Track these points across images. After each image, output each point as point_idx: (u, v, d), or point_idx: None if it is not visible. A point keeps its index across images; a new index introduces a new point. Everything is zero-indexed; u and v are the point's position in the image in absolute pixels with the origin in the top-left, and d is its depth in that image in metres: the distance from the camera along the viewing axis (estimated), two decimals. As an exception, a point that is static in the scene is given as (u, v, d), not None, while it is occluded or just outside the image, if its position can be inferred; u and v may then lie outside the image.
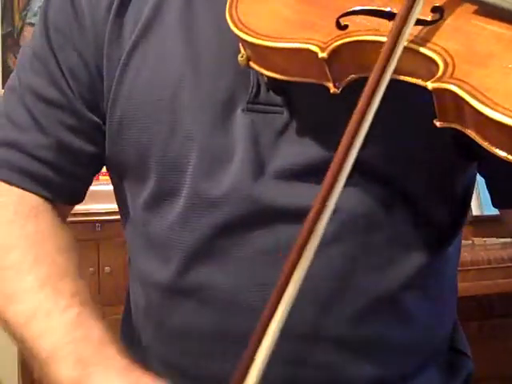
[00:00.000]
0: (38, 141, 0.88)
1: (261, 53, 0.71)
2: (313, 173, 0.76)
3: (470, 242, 2.22)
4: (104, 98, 0.87)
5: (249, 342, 0.59)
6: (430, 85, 0.59)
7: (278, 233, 0.78)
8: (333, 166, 0.58)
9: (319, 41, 0.66)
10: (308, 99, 0.76)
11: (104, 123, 0.88)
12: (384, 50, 0.59)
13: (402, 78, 0.64)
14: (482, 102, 0.56)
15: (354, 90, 0.64)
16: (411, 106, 0.72)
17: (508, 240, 2.19)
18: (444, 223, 0.85)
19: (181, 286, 0.82)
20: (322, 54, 0.65)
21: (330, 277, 0.78)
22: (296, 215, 0.72)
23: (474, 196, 2.27)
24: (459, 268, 2.24)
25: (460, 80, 0.58)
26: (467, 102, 0.57)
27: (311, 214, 0.58)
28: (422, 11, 0.62)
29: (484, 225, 2.22)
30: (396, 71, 0.61)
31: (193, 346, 0.83)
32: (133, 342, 0.91)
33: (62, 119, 0.88)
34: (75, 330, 0.76)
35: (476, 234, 2.25)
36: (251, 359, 0.57)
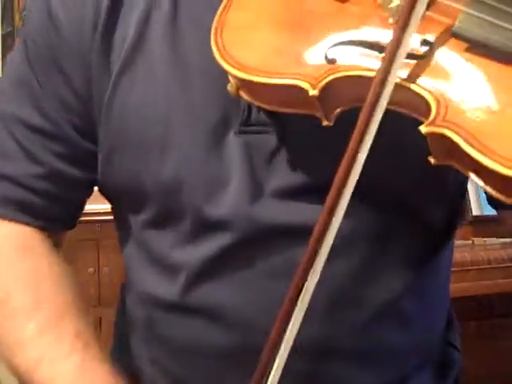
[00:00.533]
0: (30, 171, 0.85)
1: (248, 86, 0.69)
2: (311, 191, 0.76)
3: (470, 242, 2.23)
4: (96, 122, 0.84)
5: (259, 360, 0.59)
6: (423, 129, 0.58)
7: (280, 251, 0.78)
8: (333, 187, 0.58)
9: (309, 76, 0.64)
10: (301, 117, 0.75)
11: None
12: (373, 86, 0.58)
13: (397, 109, 0.63)
14: (477, 149, 0.55)
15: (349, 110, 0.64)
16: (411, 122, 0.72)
17: (508, 240, 2.19)
18: (441, 227, 0.85)
19: (188, 304, 0.82)
20: (313, 92, 0.63)
21: (335, 290, 0.78)
22: (296, 233, 0.73)
23: (474, 196, 2.27)
24: (459, 268, 2.25)
25: (454, 123, 0.57)
26: (461, 148, 0.56)
27: (314, 235, 0.58)
28: (411, 44, 0.61)
29: (484, 225, 2.22)
30: (390, 103, 0.60)
31: (203, 362, 0.83)
32: (128, 353, 0.90)
33: (53, 148, 0.85)
34: (80, 376, 0.76)
35: (476, 234, 2.25)
36: (262, 376, 0.57)
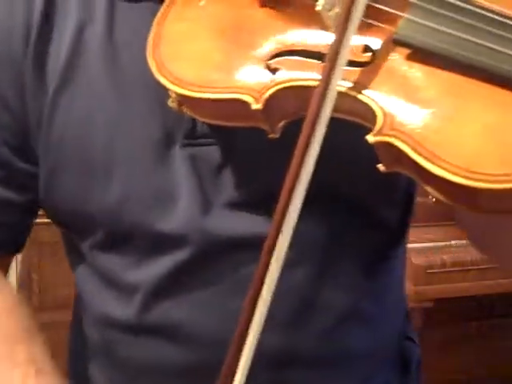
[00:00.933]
0: None
1: (189, 101, 0.66)
2: (261, 202, 0.74)
3: (471, 241, 2.23)
4: (34, 142, 0.80)
5: (220, 374, 0.57)
6: (370, 138, 0.57)
7: (235, 264, 0.76)
8: (281, 198, 0.57)
9: (251, 89, 0.62)
10: (247, 129, 0.74)
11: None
12: (315, 95, 0.56)
13: (345, 117, 0.62)
14: (424, 157, 0.55)
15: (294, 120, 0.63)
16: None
17: (508, 240, 2.19)
18: (394, 227, 0.85)
19: (146, 324, 0.80)
20: (256, 106, 0.61)
21: (297, 298, 0.78)
22: (250, 245, 0.71)
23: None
24: (459, 268, 2.25)
25: (400, 132, 0.56)
26: (409, 156, 0.56)
27: (265, 247, 0.57)
28: (353, 51, 0.60)
29: (484, 225, 2.22)
30: (337, 111, 0.59)
31: (164, 382, 0.81)
32: (84, 376, 0.88)
33: None
34: None
35: (476, 233, 2.25)
36: None
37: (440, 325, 2.38)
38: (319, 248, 0.78)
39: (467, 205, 0.57)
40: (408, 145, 0.56)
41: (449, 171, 0.54)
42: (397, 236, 0.86)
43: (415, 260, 2.10)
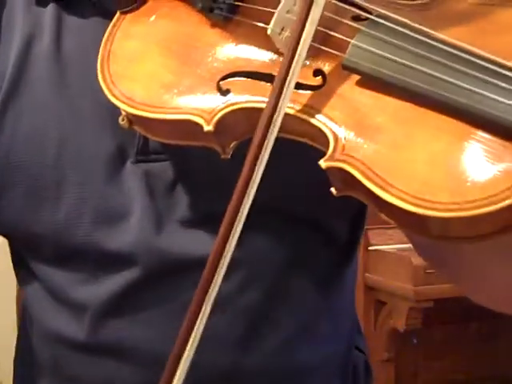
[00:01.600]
0: None
1: (140, 120, 0.65)
2: (214, 220, 0.73)
3: (470, 242, 2.23)
4: None
5: None
6: (322, 164, 0.57)
7: (187, 282, 0.74)
8: (225, 220, 0.56)
9: (203, 110, 0.62)
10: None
11: None
12: (262, 116, 0.56)
13: (298, 139, 0.62)
14: (375, 183, 0.55)
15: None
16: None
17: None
18: (348, 243, 0.84)
19: (95, 342, 0.78)
20: (208, 128, 0.61)
21: (248, 317, 0.77)
22: (201, 264, 0.72)
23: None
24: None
25: (352, 157, 0.56)
26: (360, 182, 0.56)
27: (208, 265, 0.56)
28: (303, 74, 0.59)
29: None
30: (287, 132, 0.60)
31: None
32: None
33: None
34: None
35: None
36: None
37: (440, 325, 2.38)
38: (271, 267, 0.78)
39: (418, 231, 0.57)
40: (359, 171, 0.56)
41: (399, 198, 0.54)
42: (348, 252, 0.86)
43: (415, 260, 2.11)
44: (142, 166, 0.75)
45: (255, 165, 0.56)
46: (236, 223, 0.56)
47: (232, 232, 0.57)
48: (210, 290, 0.57)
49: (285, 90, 0.57)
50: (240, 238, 0.74)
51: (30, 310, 0.85)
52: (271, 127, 0.56)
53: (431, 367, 2.43)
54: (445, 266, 0.79)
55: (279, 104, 0.56)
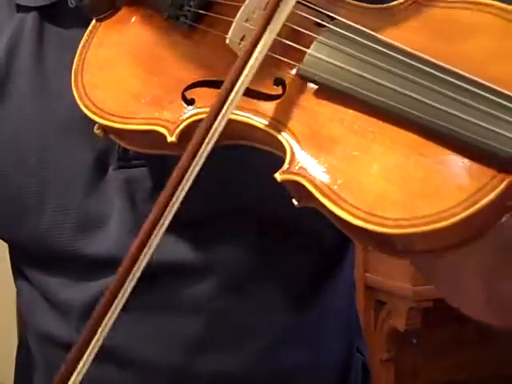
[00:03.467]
0: None
1: (113, 130, 0.67)
2: (190, 226, 0.73)
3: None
4: None
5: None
6: (278, 177, 0.57)
7: (168, 287, 0.76)
8: (148, 222, 0.56)
9: (167, 120, 0.62)
10: None
11: None
12: (204, 121, 0.56)
13: (261, 147, 0.62)
14: (328, 198, 0.55)
15: None
16: None
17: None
18: (334, 247, 0.84)
19: None
20: (171, 139, 0.62)
21: (230, 323, 0.78)
22: (179, 270, 0.72)
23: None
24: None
25: (306, 170, 0.56)
26: (314, 196, 0.56)
27: (124, 265, 0.56)
28: (264, 83, 0.60)
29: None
30: (247, 139, 0.60)
31: None
32: None
33: None
34: None
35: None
36: None
37: (440, 325, 2.38)
38: (245, 272, 0.78)
39: (377, 247, 0.56)
40: (313, 185, 0.56)
41: (350, 214, 0.54)
42: (335, 255, 0.85)
43: (415, 260, 2.10)
44: (123, 172, 0.76)
45: (184, 175, 0.55)
46: (151, 239, 0.56)
47: (148, 244, 0.56)
48: (126, 285, 0.57)
49: (231, 96, 0.56)
50: (212, 243, 0.74)
51: (22, 310, 0.86)
52: (209, 134, 0.55)
53: (431, 367, 2.42)
54: (420, 268, 0.79)
55: (221, 111, 0.56)
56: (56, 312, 0.81)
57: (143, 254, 0.55)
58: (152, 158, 0.74)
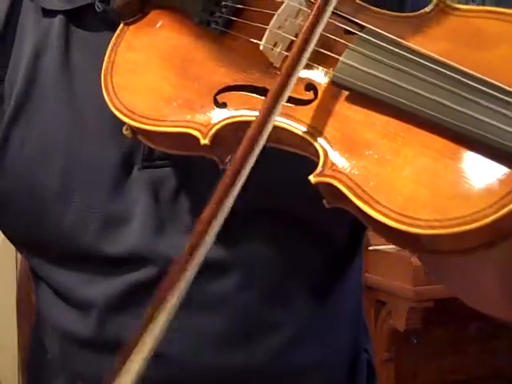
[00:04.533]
0: None
1: (143, 132, 0.68)
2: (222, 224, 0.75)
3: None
4: None
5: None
6: (312, 179, 0.59)
7: (191, 285, 0.78)
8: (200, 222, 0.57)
9: (199, 123, 0.64)
10: None
11: None
12: (252, 127, 0.57)
13: (293, 150, 0.64)
14: (362, 200, 0.57)
15: None
16: None
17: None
18: (348, 243, 0.85)
19: (102, 339, 0.80)
20: (204, 141, 0.63)
21: (246, 319, 0.78)
22: (204, 266, 0.73)
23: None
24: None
25: (340, 173, 0.58)
26: (348, 197, 0.57)
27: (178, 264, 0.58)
28: (295, 88, 0.61)
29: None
30: (278, 143, 0.62)
31: None
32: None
33: None
34: None
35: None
36: None
37: (440, 325, 2.38)
38: (268, 268, 0.79)
39: (405, 246, 0.59)
40: (347, 187, 0.57)
41: (383, 214, 0.55)
42: (349, 252, 0.86)
43: (415, 260, 2.10)
44: (147, 172, 0.77)
45: (236, 177, 0.56)
46: (205, 238, 0.57)
47: (201, 248, 0.58)
48: (180, 283, 0.59)
49: (276, 105, 0.57)
50: (236, 239, 0.75)
51: (39, 307, 0.87)
52: (258, 140, 0.56)
53: (431, 367, 2.43)
54: (432, 267, 0.79)
55: (269, 118, 0.57)
56: (74, 308, 0.82)
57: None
58: (176, 159, 0.75)
